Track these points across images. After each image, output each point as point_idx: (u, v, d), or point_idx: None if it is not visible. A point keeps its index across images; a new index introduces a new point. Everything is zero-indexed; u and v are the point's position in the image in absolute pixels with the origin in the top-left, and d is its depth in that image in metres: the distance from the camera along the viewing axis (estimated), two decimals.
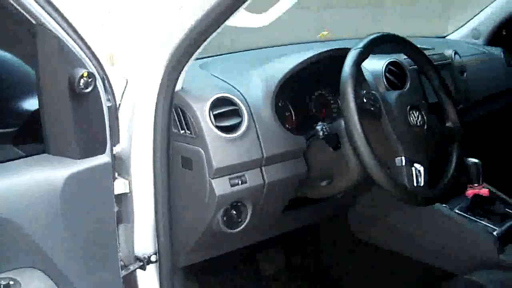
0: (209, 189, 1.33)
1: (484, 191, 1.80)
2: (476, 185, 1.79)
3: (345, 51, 1.41)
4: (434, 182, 1.44)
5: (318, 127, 1.36)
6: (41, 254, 1.08)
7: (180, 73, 1.29)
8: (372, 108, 1.32)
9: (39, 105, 1.10)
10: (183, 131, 1.36)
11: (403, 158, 1.33)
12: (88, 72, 1.05)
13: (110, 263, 1.28)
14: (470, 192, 1.80)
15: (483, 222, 1.79)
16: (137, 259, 1.41)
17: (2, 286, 1.02)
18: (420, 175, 1.35)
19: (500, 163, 2.22)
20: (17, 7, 0.97)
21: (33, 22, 1.00)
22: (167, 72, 1.26)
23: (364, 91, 1.34)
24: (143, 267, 1.41)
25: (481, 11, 2.63)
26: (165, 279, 1.42)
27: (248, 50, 1.76)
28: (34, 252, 1.08)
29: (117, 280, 1.31)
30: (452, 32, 2.71)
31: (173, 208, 1.39)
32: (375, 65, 1.70)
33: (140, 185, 1.34)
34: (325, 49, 1.58)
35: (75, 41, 1.06)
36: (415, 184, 1.33)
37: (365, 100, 1.31)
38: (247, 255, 2.03)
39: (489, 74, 2.39)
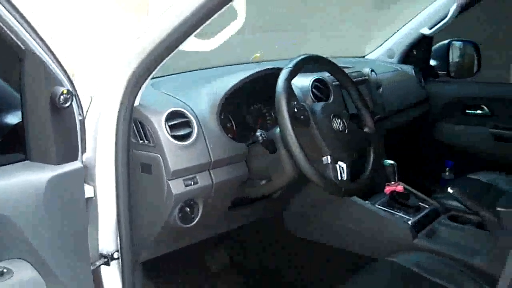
0: (166, 190, 1.53)
1: (399, 188, 2.07)
2: (392, 182, 2.07)
3: (278, 70, 1.67)
4: (355, 177, 1.71)
5: (258, 134, 1.60)
6: (28, 246, 1.23)
7: (138, 90, 1.47)
8: (302, 117, 1.58)
9: (22, 118, 1.26)
10: (141, 141, 1.55)
11: (328, 157, 1.60)
12: (67, 90, 1.24)
13: (83, 257, 1.42)
14: (387, 189, 2.07)
15: (399, 214, 2.03)
16: (102, 256, 1.54)
17: (1, 271, 1.18)
18: (343, 171, 1.62)
19: (413, 164, 2.53)
20: (10, 34, 1.16)
21: (22, 47, 1.18)
22: (128, 90, 1.43)
23: (295, 103, 1.59)
24: (107, 263, 1.54)
25: (394, 33, 2.91)
26: (127, 274, 1.55)
27: (193, 70, 1.97)
28: (23, 245, 1.22)
29: (88, 273, 1.46)
30: (370, 52, 2.97)
31: (134, 209, 1.53)
32: (303, 81, 1.96)
33: (104, 190, 1.49)
34: (260, 69, 1.83)
35: (54, 63, 1.25)
36: (339, 178, 1.60)
37: (296, 111, 1.57)
38: (195, 254, 2.22)
39: (402, 89, 2.67)
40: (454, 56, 2.91)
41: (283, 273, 2.26)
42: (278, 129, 1.63)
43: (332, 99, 1.99)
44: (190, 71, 1.94)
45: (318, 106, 1.69)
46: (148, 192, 1.57)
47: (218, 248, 2.29)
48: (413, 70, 2.85)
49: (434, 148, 2.92)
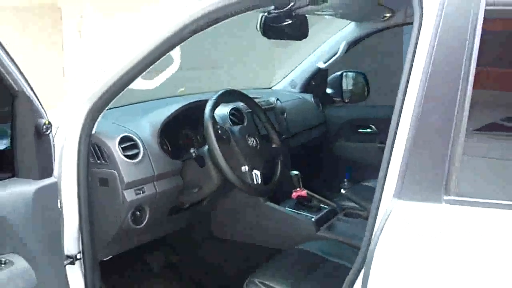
0: (122, 198, 1.93)
1: (303, 193, 2.57)
2: (298, 189, 2.59)
3: (202, 102, 2.14)
4: (267, 181, 2.20)
5: (191, 151, 2.06)
6: (21, 243, 1.57)
7: (96, 120, 1.88)
8: (224, 137, 2.06)
9: (11, 144, 1.63)
10: (99, 161, 1.94)
11: (246, 166, 2.08)
12: (48, 121, 1.63)
13: (59, 254, 1.76)
14: (294, 194, 2.56)
15: (304, 213, 2.51)
16: (67, 256, 1.84)
17: (3, 261, 1.52)
18: (258, 177, 2.10)
19: (316, 175, 3.03)
20: (6, 75, 1.52)
21: (15, 88, 1.56)
22: (87, 121, 1.81)
23: (218, 127, 2.07)
24: (72, 263, 1.85)
25: (296, 67, 3.40)
26: (88, 272, 1.88)
27: (134, 103, 2.38)
28: (17, 242, 1.56)
29: (63, 268, 1.80)
30: (276, 84, 3.44)
31: (93, 216, 1.91)
32: (223, 110, 2.43)
33: (68, 201, 1.82)
34: (188, 102, 2.29)
35: (37, 100, 1.63)
36: (255, 182, 2.08)
37: (219, 132, 2.04)
38: (138, 256, 2.59)
39: (303, 113, 3.16)
40: (346, 84, 3.39)
41: (210, 270, 2.67)
42: (206, 147, 2.09)
43: (246, 122, 2.47)
44: (130, 104, 2.35)
45: (236, 128, 2.18)
46: (105, 201, 1.96)
47: (157, 251, 2.68)
48: (312, 98, 3.35)
49: (334, 162, 3.42)
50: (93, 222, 1.89)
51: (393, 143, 1.31)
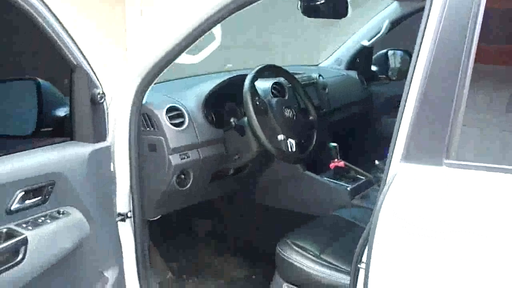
0: (168, 162, 2.13)
1: (341, 164, 2.71)
2: (335, 160, 2.74)
3: (244, 76, 2.31)
4: (303, 151, 2.36)
5: (231, 121, 2.24)
6: (77, 197, 1.78)
7: (145, 93, 2.07)
8: (262, 108, 2.23)
9: (70, 112, 1.86)
10: (148, 128, 2.15)
11: (281, 135, 2.24)
12: (102, 91, 1.85)
13: (111, 211, 1.98)
14: (332, 165, 2.71)
15: (341, 183, 2.65)
16: (119, 214, 2.03)
17: (61, 212, 1.76)
18: (293, 145, 2.27)
19: (353, 147, 3.15)
20: (66, 51, 1.73)
21: (74, 62, 1.78)
22: (138, 93, 2.00)
23: (257, 98, 2.24)
24: (123, 220, 2.06)
25: (342, 45, 3.53)
26: (137, 229, 2.09)
27: (181, 78, 2.58)
28: (73, 196, 1.77)
29: (114, 223, 2.02)
30: (323, 61, 3.59)
31: (143, 178, 2.11)
32: (265, 84, 2.60)
33: (120, 165, 2.02)
34: (231, 76, 2.47)
35: (92, 73, 1.85)
36: (290, 150, 2.25)
37: (257, 104, 2.21)
38: (184, 220, 2.82)
39: (346, 89, 3.29)
40: (394, 62, 3.49)
41: (253, 236, 2.87)
42: (246, 118, 2.26)
43: (287, 97, 2.63)
44: (179, 79, 2.56)
45: (274, 100, 2.34)
46: (154, 165, 2.16)
47: (202, 217, 2.90)
48: (356, 75, 3.48)
49: (376, 137, 3.43)
50: (142, 183, 2.10)
51: (403, 112, 1.44)
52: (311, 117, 2.47)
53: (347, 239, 2.12)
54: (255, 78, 2.25)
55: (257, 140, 2.20)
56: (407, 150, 1.41)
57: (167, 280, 2.52)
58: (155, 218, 2.35)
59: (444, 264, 1.34)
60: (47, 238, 1.64)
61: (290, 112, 2.34)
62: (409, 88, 1.43)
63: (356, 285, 1.57)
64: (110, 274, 2.01)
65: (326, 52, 3.65)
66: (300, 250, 2.01)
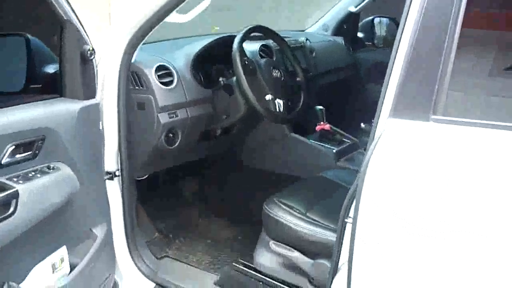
0: (156, 120, 2.14)
1: (327, 126, 2.73)
2: (322, 123, 2.76)
3: (232, 37, 2.31)
4: (290, 111, 2.38)
5: (220, 80, 2.25)
6: (66, 153, 1.78)
7: (134, 51, 2.07)
8: (251, 67, 2.24)
9: (59, 68, 1.86)
10: (137, 87, 2.16)
11: (269, 95, 2.26)
12: (92, 48, 1.84)
13: (99, 169, 2.00)
14: (318, 127, 2.73)
15: (326, 145, 2.67)
16: (107, 172, 2.07)
17: (51, 167, 1.76)
18: (280, 106, 2.29)
19: (340, 112, 3.18)
20: (56, 5, 1.71)
21: (64, 17, 1.76)
22: (127, 51, 2.00)
23: (245, 58, 2.25)
24: (111, 178, 2.09)
25: (328, 11, 3.53)
26: (125, 187, 2.12)
27: (169, 39, 2.58)
28: (62, 151, 1.77)
29: (102, 181, 2.04)
30: (310, 27, 3.59)
31: (131, 137, 2.13)
32: (254, 46, 2.61)
33: (108, 123, 2.03)
34: (219, 37, 2.47)
35: (82, 29, 1.84)
36: (277, 110, 2.27)
37: (246, 63, 2.22)
38: (170, 180, 2.85)
39: (333, 54, 3.30)
40: (380, 30, 3.53)
41: (238, 197, 2.90)
42: (234, 78, 2.28)
43: (274, 57, 2.64)
44: (167, 40, 2.55)
45: (262, 60, 2.36)
46: (142, 123, 2.17)
47: (188, 177, 2.93)
48: (343, 41, 3.49)
49: (362, 103, 3.46)
50: (131, 142, 2.12)
51: (391, 69, 1.47)
52: (298, 79, 2.49)
53: (332, 199, 2.16)
54: (243, 39, 2.26)
55: (245, 99, 2.21)
56: (395, 106, 1.43)
57: (153, 240, 2.55)
58: (142, 178, 2.37)
59: (430, 216, 1.38)
60: (37, 192, 1.64)
61: (278, 73, 2.35)
62: (398, 46, 1.45)
63: (342, 239, 1.61)
64: (99, 232, 2.03)
65: (313, 18, 3.65)
66: (287, 208, 2.05)
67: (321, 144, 2.71)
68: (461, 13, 1.36)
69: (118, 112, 2.05)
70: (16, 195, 1.56)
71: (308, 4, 4.18)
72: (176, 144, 2.25)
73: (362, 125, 2.66)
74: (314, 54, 3.08)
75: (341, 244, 1.63)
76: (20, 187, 1.58)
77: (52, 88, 1.94)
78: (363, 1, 3.34)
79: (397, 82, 1.43)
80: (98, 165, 2.01)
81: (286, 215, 2.02)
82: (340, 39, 3.49)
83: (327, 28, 3.54)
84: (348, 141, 2.79)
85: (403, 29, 1.44)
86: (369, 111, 3.38)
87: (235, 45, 2.20)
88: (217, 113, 2.36)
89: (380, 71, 3.44)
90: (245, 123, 2.52)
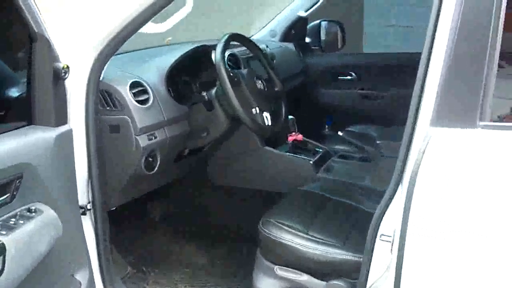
0: (135, 144, 1.91)
1: (299, 137, 2.63)
2: (293, 133, 2.64)
3: (206, 47, 2.11)
4: (273, 123, 2.22)
5: (204, 94, 2.05)
6: (46, 191, 1.53)
7: (103, 68, 1.81)
8: (235, 79, 2.05)
9: (27, 90, 1.57)
10: (108, 107, 1.91)
11: (256, 108, 2.09)
12: (66, 65, 1.58)
13: (75, 202, 1.74)
14: (290, 138, 2.62)
15: (301, 156, 2.57)
16: (79, 207, 1.80)
17: (32, 210, 1.48)
18: (268, 119, 2.12)
19: (298, 119, 3.07)
20: (29, 17, 1.46)
21: (36, 30, 1.50)
22: (95, 68, 1.73)
23: (229, 69, 2.06)
24: (84, 213, 1.81)
25: (275, 16, 3.39)
26: (99, 222, 1.84)
27: (133, 51, 2.32)
28: (42, 189, 1.52)
29: (79, 217, 1.78)
30: (255, 33, 3.41)
31: (104, 165, 1.88)
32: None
33: (77, 151, 1.75)
34: (194, 46, 2.26)
35: (53, 43, 1.57)
36: (266, 124, 2.10)
37: (231, 75, 2.03)
38: (140, 206, 2.59)
39: (287, 61, 3.17)
40: (324, 34, 3.43)
41: (211, 218, 2.70)
42: (213, 91, 2.08)
43: (243, 67, 2.47)
44: (134, 50, 2.29)
45: (245, 71, 2.17)
46: (117, 148, 1.93)
47: (157, 201, 2.68)
48: (293, 46, 3.38)
49: (315, 109, 3.47)
50: (103, 171, 1.86)
51: (425, 75, 1.36)
52: (277, 89, 2.34)
53: (326, 213, 2.04)
54: (225, 48, 2.07)
55: (227, 115, 2.03)
56: (437, 114, 1.33)
57: (127, 276, 2.29)
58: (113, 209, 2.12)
59: (491, 228, 1.28)
60: (24, 242, 1.39)
61: (261, 84, 2.19)
62: (431, 45, 1.34)
63: (371, 257, 1.52)
64: (81, 277, 1.76)
65: (257, 24, 3.51)
66: (288, 229, 1.89)
67: (297, 155, 2.58)
68: (502, 16, 1.29)
69: (87, 137, 1.78)
70: (2, 249, 1.28)
71: (247, 11, 4.04)
72: (156, 168, 2.02)
73: (340, 133, 2.57)
74: (275, 61, 2.93)
75: (370, 263, 1.53)
76: (5, 240, 1.31)
77: (18, 114, 1.66)
78: (313, 5, 3.24)
79: (437, 89, 1.33)
80: (74, 200, 1.75)
81: (290, 236, 1.86)
82: (290, 45, 3.37)
83: (275, 34, 3.40)
84: (320, 150, 2.69)
85: (433, 34, 1.34)
86: (324, 118, 3.36)
87: (218, 55, 2.01)
88: (195, 130, 2.15)
89: (330, 75, 3.48)
90: (220, 139, 2.33)
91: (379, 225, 1.50)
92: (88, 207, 1.83)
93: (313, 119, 3.44)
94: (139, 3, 1.69)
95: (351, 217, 2.03)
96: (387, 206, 1.49)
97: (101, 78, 1.82)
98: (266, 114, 2.11)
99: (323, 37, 3.43)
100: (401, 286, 1.39)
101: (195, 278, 2.36)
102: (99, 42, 1.74)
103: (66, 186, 1.67)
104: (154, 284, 2.29)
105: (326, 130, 3.39)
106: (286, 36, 3.40)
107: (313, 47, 3.53)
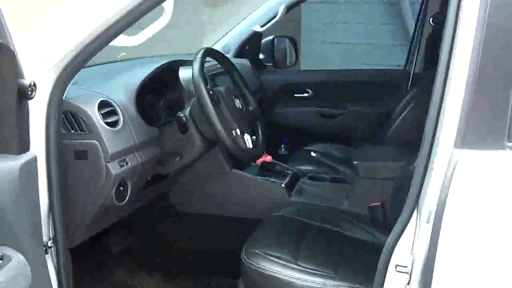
0: (105, 171, 1.68)
1: (268, 158, 2.48)
2: (262, 155, 2.48)
3: (173, 63, 1.92)
4: (255, 146, 2.05)
5: (181, 115, 1.85)
6: (11, 231, 1.30)
7: (66, 88, 1.57)
8: (215, 98, 1.87)
9: None
10: (73, 131, 1.68)
11: (237, 130, 1.91)
12: (33, 82, 1.35)
13: (40, 242, 1.50)
14: (259, 160, 2.47)
15: (272, 179, 2.42)
16: None
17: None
18: (248, 141, 1.95)
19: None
20: None
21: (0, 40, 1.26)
22: (57, 87, 1.52)
23: (208, 86, 1.88)
24: (46, 252, 1.55)
25: (230, 31, 3.23)
26: (62, 261, 1.60)
27: (90, 66, 2.08)
28: (8, 230, 1.29)
29: (43, 257, 1.53)
30: None
31: (68, 197, 1.65)
32: (188, 72, 2.22)
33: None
34: (164, 63, 2.06)
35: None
36: (248, 146, 1.93)
37: (211, 93, 1.85)
38: (98, 239, 2.33)
39: (246, 78, 3.05)
40: (277, 49, 3.32)
41: (176, 249, 2.48)
42: (187, 111, 1.89)
43: (212, 85, 2.29)
44: (95, 65, 2.05)
45: (222, 88, 1.99)
46: (84, 177, 1.70)
47: (115, 233, 2.43)
48: (248, 63, 3.23)
49: (272, 129, 3.34)
50: (67, 204, 1.63)
51: (442, 96, 1.26)
52: (251, 108, 2.17)
53: (310, 240, 1.91)
54: (202, 63, 1.88)
55: (210, 136, 1.85)
56: (463, 136, 1.22)
57: None
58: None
59: None
60: None
61: (239, 103, 2.02)
62: (449, 67, 1.24)
63: None
64: None
65: (209, 39, 3.33)
66: (277, 260, 1.74)
67: (267, 178, 2.43)
68: None
69: (48, 166, 1.54)
70: None
71: (198, 26, 3.86)
72: (126, 198, 1.80)
73: (313, 154, 2.44)
74: None
75: None
76: None
77: None
78: (269, 21, 3.11)
79: (461, 109, 1.23)
80: (40, 240, 1.50)
81: (280, 268, 1.71)
82: (246, 61, 3.22)
83: (229, 49, 3.23)
84: (289, 172, 2.55)
85: (450, 51, 1.24)
86: (282, 136, 3.22)
87: (197, 72, 1.82)
88: (166, 154, 1.95)
89: (285, 93, 3.36)
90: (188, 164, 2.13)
91: (391, 255, 1.37)
92: (49, 244, 1.58)
93: (271, 137, 3.31)
94: (112, 13, 1.49)
95: (337, 244, 1.91)
96: (400, 235, 1.36)
97: (63, 97, 1.60)
98: (247, 136, 1.94)
99: (276, 52, 3.32)
100: None
101: None
102: (63, 56, 1.51)
103: (32, 224, 1.42)
104: None
105: (282, 150, 3.27)
106: (241, 51, 3.24)
107: (266, 64, 3.41)
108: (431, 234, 1.24)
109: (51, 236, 1.59)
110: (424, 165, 1.29)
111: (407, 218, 1.34)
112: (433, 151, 1.27)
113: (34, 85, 1.36)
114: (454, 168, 1.22)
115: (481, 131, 1.23)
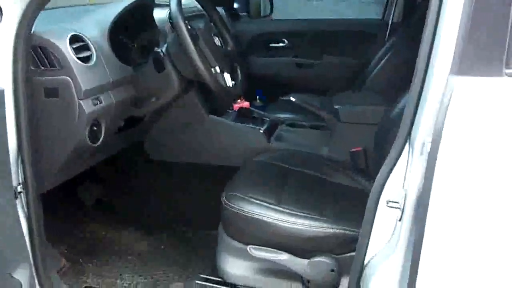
0: (78, 110, 1.58)
1: (246, 104, 2.41)
2: (239, 100, 2.41)
3: (144, 2, 1.82)
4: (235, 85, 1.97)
5: (158, 50, 1.75)
6: None
7: (34, 20, 1.44)
8: (194, 33, 1.78)
9: None
10: (43, 67, 1.57)
11: (217, 67, 1.83)
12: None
13: (10, 190, 1.43)
14: (236, 106, 2.40)
15: (250, 125, 2.33)
16: None
17: None
18: (228, 80, 1.87)
19: None
20: None
21: None
22: (24, 19, 1.39)
23: (187, 22, 1.78)
24: (15, 197, 1.46)
25: None
26: (32, 206, 1.52)
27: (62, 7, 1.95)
28: None
29: (13, 202, 1.46)
30: None
31: (38, 138, 1.54)
32: (162, 13, 2.13)
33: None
34: (132, 1, 1.94)
35: None
36: (228, 85, 1.85)
37: (189, 28, 1.75)
38: (71, 190, 2.24)
39: None
40: None
41: (151, 199, 2.41)
42: (164, 48, 1.79)
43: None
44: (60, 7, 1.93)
45: (201, 25, 1.89)
46: (55, 116, 1.60)
47: (89, 183, 2.34)
48: (223, 11, 3.11)
49: (248, 78, 3.26)
50: (37, 146, 1.54)
51: (437, 19, 1.19)
52: (229, 48, 2.08)
53: (291, 184, 1.86)
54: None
55: (188, 74, 1.76)
56: (459, 63, 1.17)
57: (63, 270, 1.95)
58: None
59: None
60: None
61: (218, 40, 1.92)
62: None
63: (371, 227, 1.35)
64: (21, 276, 1.43)
65: None
66: (259, 202, 1.68)
67: (245, 124, 2.34)
68: None
69: (16, 105, 1.44)
70: None
71: None
72: (100, 139, 1.71)
73: (292, 98, 2.37)
74: None
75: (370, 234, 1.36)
76: None
77: None
78: None
79: (458, 37, 1.16)
80: (8, 184, 1.41)
81: (262, 210, 1.65)
82: (220, 10, 3.08)
83: None
84: (268, 118, 2.48)
85: None
86: (256, 87, 3.14)
87: (174, 7, 1.72)
88: (142, 95, 1.86)
89: (260, 42, 3.26)
90: (164, 107, 2.03)
91: (381, 190, 1.32)
92: (19, 189, 1.49)
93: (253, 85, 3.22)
94: None
95: (320, 188, 1.86)
96: (391, 169, 1.31)
97: (32, 31, 1.48)
98: (226, 75, 1.86)
99: (251, 2, 3.23)
100: (422, 256, 1.22)
101: (141, 267, 2.06)
102: None
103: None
104: (95, 277, 1.97)
105: (257, 102, 3.20)
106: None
107: (241, 14, 3.32)
108: (426, 166, 1.19)
109: (20, 181, 1.50)
110: (418, 93, 1.23)
111: (398, 151, 1.29)
112: (427, 79, 1.22)
113: (1, 11, 1.25)
114: (451, 96, 1.16)
115: (478, 57, 1.18)
